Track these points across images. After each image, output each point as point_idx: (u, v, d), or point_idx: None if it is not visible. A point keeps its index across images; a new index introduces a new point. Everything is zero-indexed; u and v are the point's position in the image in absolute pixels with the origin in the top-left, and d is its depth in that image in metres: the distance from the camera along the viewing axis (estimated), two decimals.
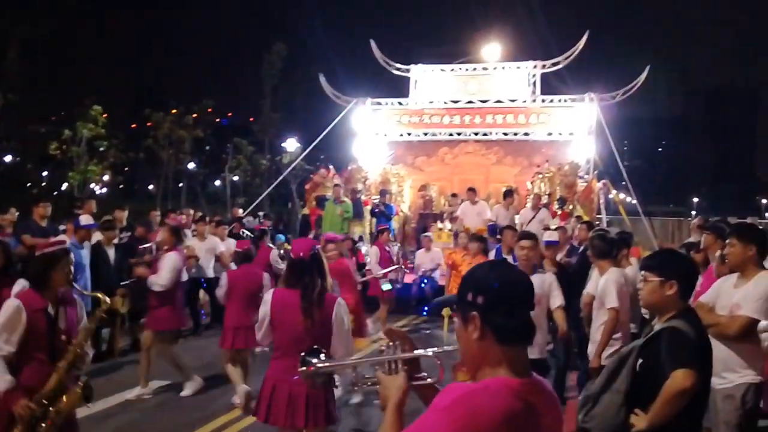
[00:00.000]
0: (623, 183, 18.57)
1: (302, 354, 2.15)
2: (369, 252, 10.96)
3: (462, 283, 1.76)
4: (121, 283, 8.34)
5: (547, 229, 10.93)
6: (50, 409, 3.53)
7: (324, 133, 17.44)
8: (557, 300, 5.60)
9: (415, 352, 1.95)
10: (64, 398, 3.58)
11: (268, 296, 4.08)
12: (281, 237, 13.55)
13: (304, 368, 2.13)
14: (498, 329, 1.63)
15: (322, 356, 2.18)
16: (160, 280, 6.69)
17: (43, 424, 3.51)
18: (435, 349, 1.96)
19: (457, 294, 1.76)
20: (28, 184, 50.34)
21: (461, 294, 1.72)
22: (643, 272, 3.15)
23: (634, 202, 19.68)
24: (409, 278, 12.31)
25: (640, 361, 2.98)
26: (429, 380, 1.92)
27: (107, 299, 3.98)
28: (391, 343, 1.96)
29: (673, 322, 2.96)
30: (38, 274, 3.73)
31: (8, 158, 49.65)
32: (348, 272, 7.04)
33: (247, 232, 12.30)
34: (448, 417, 1.49)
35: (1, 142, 40.77)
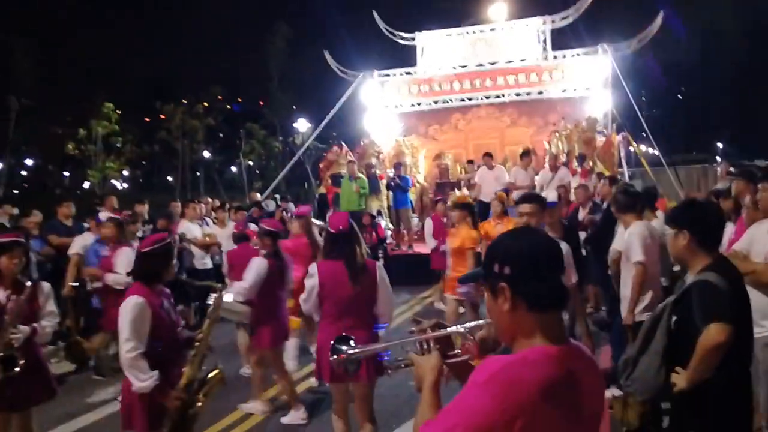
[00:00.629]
0: (644, 134, 18.20)
1: (331, 342, 2.14)
2: (425, 224, 10.80)
3: (486, 255, 1.72)
4: None
5: (562, 188, 10.77)
6: (197, 396, 3.69)
7: (334, 110, 17.28)
8: (572, 277, 5.22)
9: (447, 329, 1.94)
10: (207, 385, 3.75)
11: (313, 269, 4.38)
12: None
13: (335, 356, 2.11)
14: (529, 297, 1.60)
15: (352, 342, 2.16)
16: (120, 278, 6.24)
17: (191, 411, 3.66)
18: (467, 324, 1.94)
19: (483, 267, 1.73)
20: (52, 186, 51.13)
21: (487, 266, 1.69)
22: (666, 226, 3.14)
23: (657, 152, 19.30)
24: (429, 248, 12.23)
25: (674, 318, 2.91)
26: (464, 357, 1.92)
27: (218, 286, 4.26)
28: (417, 326, 1.96)
29: (704, 275, 2.88)
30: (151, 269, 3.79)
31: (30, 162, 50.39)
32: (305, 250, 6.96)
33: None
34: (487, 391, 1.47)
35: (20, 147, 41.28)
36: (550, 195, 11.79)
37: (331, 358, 2.13)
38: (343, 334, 2.22)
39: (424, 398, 1.76)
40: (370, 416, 4.49)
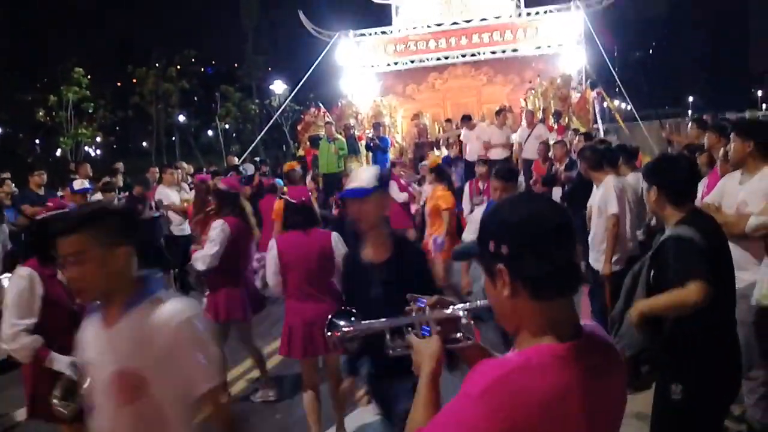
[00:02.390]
0: (617, 90, 18.33)
1: (329, 317, 1.94)
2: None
3: (480, 228, 1.42)
4: None
5: (542, 144, 10.89)
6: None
7: (309, 71, 17.13)
8: None
9: (448, 310, 1.68)
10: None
11: (273, 243, 4.34)
12: (279, 181, 13.50)
13: (330, 333, 1.91)
14: (532, 282, 1.32)
15: (353, 318, 1.93)
16: None
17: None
18: (467, 305, 1.69)
19: (477, 242, 1.43)
20: (23, 154, 50.02)
21: (481, 243, 1.40)
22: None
23: (630, 107, 19.50)
24: (411, 208, 12.34)
25: (652, 272, 2.95)
26: (466, 344, 1.67)
27: None
28: (414, 304, 1.73)
29: (677, 229, 2.90)
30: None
31: None
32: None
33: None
34: (486, 407, 1.22)
35: None
36: (529, 151, 11.99)
37: (327, 335, 1.93)
38: (342, 308, 2.01)
39: (419, 392, 1.55)
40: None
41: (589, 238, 5.60)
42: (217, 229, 5.03)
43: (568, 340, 1.32)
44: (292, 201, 4.45)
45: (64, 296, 3.43)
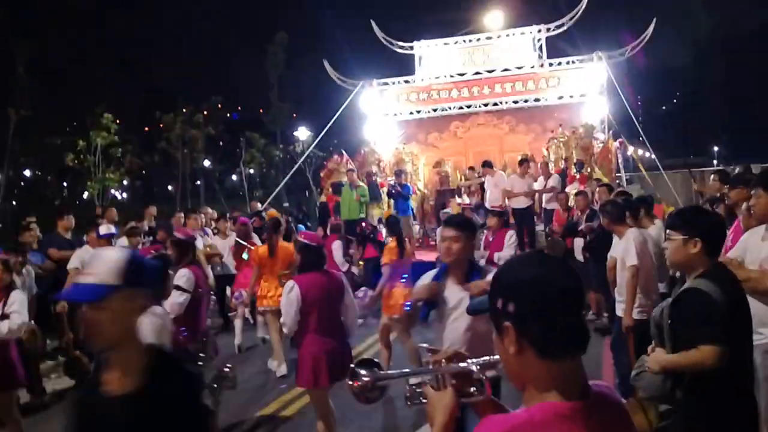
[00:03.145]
0: (640, 139, 18.30)
1: (351, 366, 1.94)
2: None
3: (491, 285, 1.45)
4: None
5: (563, 195, 10.88)
6: None
7: (333, 119, 17.39)
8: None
9: (461, 364, 1.70)
10: None
11: (292, 283, 4.68)
12: (302, 227, 13.60)
13: (351, 382, 1.91)
14: (538, 342, 1.33)
15: (375, 369, 1.92)
16: None
17: None
18: (480, 360, 1.70)
19: (488, 299, 1.46)
20: (51, 197, 51.02)
21: (490, 299, 1.43)
22: (667, 230, 3.06)
23: (653, 157, 19.42)
24: (432, 256, 12.32)
25: (669, 321, 2.93)
26: (478, 398, 1.67)
27: None
28: (433, 355, 1.75)
29: (698, 282, 2.87)
30: None
31: (28, 172, 50.34)
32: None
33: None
34: None
35: (19, 158, 41.27)
36: (549, 201, 12.03)
37: (347, 383, 1.93)
38: (366, 357, 2.00)
39: None
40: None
41: (616, 290, 5.59)
42: (184, 277, 5.11)
43: (574, 399, 1.33)
44: (311, 243, 4.88)
45: None
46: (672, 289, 3.66)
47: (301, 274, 4.84)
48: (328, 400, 4.81)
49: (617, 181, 14.21)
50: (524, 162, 12.91)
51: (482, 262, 8.12)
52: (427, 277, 3.87)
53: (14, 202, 43.76)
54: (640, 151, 22.73)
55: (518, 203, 12.39)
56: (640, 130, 16.72)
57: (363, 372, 1.90)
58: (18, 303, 4.97)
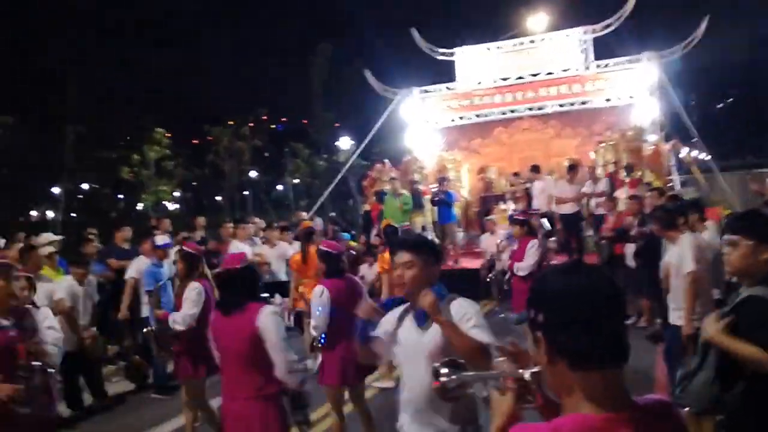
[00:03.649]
0: (694, 140, 17.73)
1: (435, 365, 1.94)
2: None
3: (528, 296, 1.46)
4: None
5: (612, 200, 10.61)
6: None
7: (375, 128, 17.40)
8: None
9: (518, 371, 1.67)
10: None
11: (321, 289, 4.99)
12: (347, 235, 13.64)
13: (436, 381, 1.93)
14: (568, 353, 1.32)
15: (459, 369, 1.92)
16: (178, 317, 5.49)
17: None
18: (534, 369, 1.65)
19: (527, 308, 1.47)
20: (107, 209, 52.72)
21: (527, 308, 1.43)
22: (731, 236, 2.87)
23: (709, 158, 18.79)
24: (476, 263, 12.18)
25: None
26: (531, 406, 1.64)
27: None
28: (502, 357, 1.73)
29: (758, 289, 2.73)
30: None
31: (85, 186, 52.15)
32: None
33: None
34: None
35: (76, 173, 42.80)
36: (596, 207, 11.82)
37: (433, 385, 1.92)
38: (450, 358, 1.96)
39: None
40: (365, 411, 5.19)
41: (669, 297, 5.43)
42: (195, 291, 5.41)
43: (608, 411, 1.29)
44: (332, 251, 5.29)
45: None
46: (728, 296, 3.47)
47: (328, 279, 5.12)
48: (343, 400, 5.16)
49: (670, 184, 13.78)
50: (573, 168, 12.63)
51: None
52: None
53: (74, 215, 45.38)
54: (695, 153, 22.07)
55: (565, 209, 12.16)
56: (693, 131, 16.21)
57: (444, 371, 1.92)
58: (50, 319, 4.55)
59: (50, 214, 42.57)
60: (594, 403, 1.30)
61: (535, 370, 1.63)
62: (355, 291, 5.09)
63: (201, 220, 12.85)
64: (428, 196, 14.33)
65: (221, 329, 3.85)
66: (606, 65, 15.42)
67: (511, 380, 1.64)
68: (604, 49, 16.10)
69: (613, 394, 1.32)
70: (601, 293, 1.33)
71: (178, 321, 5.34)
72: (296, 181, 41.22)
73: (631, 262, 8.74)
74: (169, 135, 33.86)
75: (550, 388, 1.44)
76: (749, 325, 2.69)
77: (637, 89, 14.81)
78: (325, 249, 5.37)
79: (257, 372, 3.73)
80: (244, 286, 3.88)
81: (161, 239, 8.64)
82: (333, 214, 18.34)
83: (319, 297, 4.95)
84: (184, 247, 5.97)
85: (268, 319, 3.73)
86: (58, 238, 9.70)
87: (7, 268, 3.99)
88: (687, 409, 3.01)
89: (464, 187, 16.42)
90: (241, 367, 3.76)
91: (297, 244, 10.69)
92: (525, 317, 1.52)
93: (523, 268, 7.25)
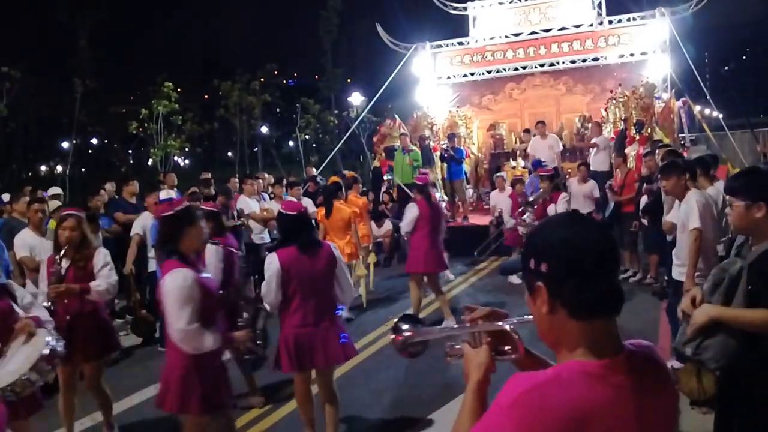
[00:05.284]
0: (706, 98, 17.57)
1: (395, 321, 1.95)
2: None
3: (524, 246, 1.48)
4: None
5: (621, 157, 10.63)
6: None
7: (386, 83, 17.29)
8: None
9: (497, 323, 1.70)
10: None
11: (272, 257, 4.39)
12: None
13: (393, 337, 1.94)
14: (570, 303, 1.34)
15: (419, 325, 1.95)
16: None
17: None
18: (515, 319, 1.70)
19: (521, 259, 1.48)
20: (117, 164, 52.99)
21: (524, 260, 1.44)
22: (728, 196, 2.94)
23: (719, 116, 18.63)
24: (486, 220, 12.28)
25: (749, 287, 2.78)
26: (511, 357, 1.68)
27: None
28: (469, 313, 1.76)
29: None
30: None
31: (95, 141, 52.33)
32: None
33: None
34: (513, 417, 1.26)
35: (86, 127, 42.87)
36: (596, 163, 11.97)
37: (390, 338, 1.96)
38: (409, 313, 2.05)
39: (466, 399, 1.57)
40: (331, 399, 4.56)
41: (674, 252, 5.50)
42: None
43: (604, 357, 1.33)
44: (289, 212, 4.53)
45: None
46: (731, 251, 3.49)
47: (283, 247, 4.45)
48: (308, 386, 4.61)
49: (681, 142, 13.72)
50: (541, 123, 13.15)
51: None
52: None
53: (83, 169, 45.64)
54: (707, 111, 21.86)
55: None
56: (705, 88, 16.04)
57: (404, 326, 1.93)
58: (105, 263, 4.89)
59: (59, 168, 42.87)
60: (591, 351, 1.34)
61: (515, 320, 1.68)
62: (321, 259, 4.44)
63: (207, 176, 12.64)
64: (438, 153, 14.35)
65: (301, 264, 4.32)
66: (619, 21, 15.20)
67: (486, 333, 1.68)
68: (617, 5, 15.85)
69: (608, 341, 1.36)
70: (602, 245, 1.37)
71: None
72: (307, 137, 41.13)
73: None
74: (179, 90, 33.70)
75: (543, 338, 1.44)
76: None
77: (650, 46, 14.65)
78: (283, 210, 4.64)
79: (332, 297, 4.48)
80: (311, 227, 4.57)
81: (166, 194, 8.62)
82: (345, 171, 18.39)
83: (267, 267, 4.38)
84: (204, 206, 5.60)
85: (337, 251, 4.54)
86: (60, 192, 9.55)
87: None
88: (686, 365, 3.04)
89: (474, 144, 16.41)
90: (322, 294, 4.40)
91: (306, 200, 10.84)
92: (513, 267, 1.58)
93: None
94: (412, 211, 7.69)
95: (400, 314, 2.02)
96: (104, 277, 4.83)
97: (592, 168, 11.53)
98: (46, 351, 3.63)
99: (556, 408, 1.25)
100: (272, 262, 4.32)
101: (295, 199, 8.81)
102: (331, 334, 4.39)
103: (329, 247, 4.58)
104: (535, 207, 9.80)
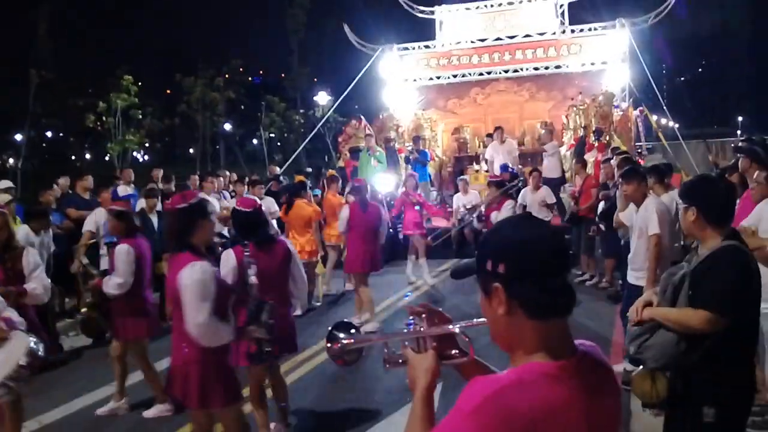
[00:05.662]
0: (663, 108, 18.07)
1: (329, 329, 1.90)
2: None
3: (479, 247, 1.47)
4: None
5: (581, 163, 10.87)
6: None
7: (352, 83, 17.29)
8: None
9: (444, 327, 1.68)
10: None
11: (229, 254, 4.39)
12: (318, 192, 13.69)
13: (329, 344, 1.88)
14: (528, 303, 1.35)
15: (353, 331, 1.89)
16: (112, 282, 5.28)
17: None
18: (463, 323, 1.68)
19: (476, 260, 1.47)
20: (72, 158, 51.62)
21: (479, 261, 1.43)
22: (681, 201, 3.08)
23: (675, 126, 19.20)
24: (448, 223, 12.40)
25: (690, 292, 2.88)
26: (460, 360, 1.67)
27: None
28: (414, 317, 1.72)
29: (728, 242, 2.86)
30: None
31: (50, 134, 50.89)
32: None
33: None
34: (476, 423, 1.25)
35: (41, 119, 41.68)
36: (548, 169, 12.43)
37: (327, 346, 1.90)
38: (344, 320, 1.96)
39: (414, 406, 1.54)
40: (280, 385, 4.84)
41: (629, 257, 5.62)
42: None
43: (561, 359, 1.35)
44: (243, 209, 4.59)
45: None
46: (684, 257, 3.61)
47: (238, 244, 4.57)
48: (264, 380, 4.69)
49: (638, 150, 14.09)
50: (498, 128, 13.28)
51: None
52: None
53: (37, 162, 44.35)
54: (663, 121, 22.47)
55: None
56: (662, 99, 16.49)
57: (342, 335, 1.88)
58: (37, 265, 4.78)
59: (12, 161, 41.59)
60: (548, 352, 1.35)
61: (463, 324, 1.67)
62: (277, 256, 4.59)
63: (158, 173, 12.22)
64: (403, 155, 14.43)
65: (257, 259, 4.38)
66: (581, 30, 15.53)
67: (431, 338, 1.65)
68: (579, 14, 16.18)
69: (564, 342, 1.39)
70: (557, 245, 1.40)
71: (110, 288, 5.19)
72: (271, 135, 40.81)
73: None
74: (139, 84, 33.08)
75: (496, 340, 1.44)
76: (710, 273, 2.81)
77: (610, 56, 15.00)
78: (237, 207, 4.69)
79: (286, 292, 4.67)
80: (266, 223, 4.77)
81: (123, 190, 8.44)
82: (309, 169, 18.28)
83: (225, 264, 4.36)
84: (115, 206, 5.62)
85: (292, 247, 4.82)
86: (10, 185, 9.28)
87: None
88: (640, 368, 3.15)
89: (439, 147, 16.54)
90: (277, 289, 4.51)
91: (268, 199, 10.77)
92: (467, 269, 1.58)
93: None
94: (344, 212, 7.94)
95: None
96: (38, 279, 4.71)
97: (543, 174, 11.82)
98: (24, 360, 3.55)
99: (520, 411, 1.25)
100: (229, 259, 4.34)
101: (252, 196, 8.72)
102: (285, 325, 4.50)
103: (285, 243, 4.71)
104: (479, 214, 10.03)
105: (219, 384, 3.59)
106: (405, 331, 1.72)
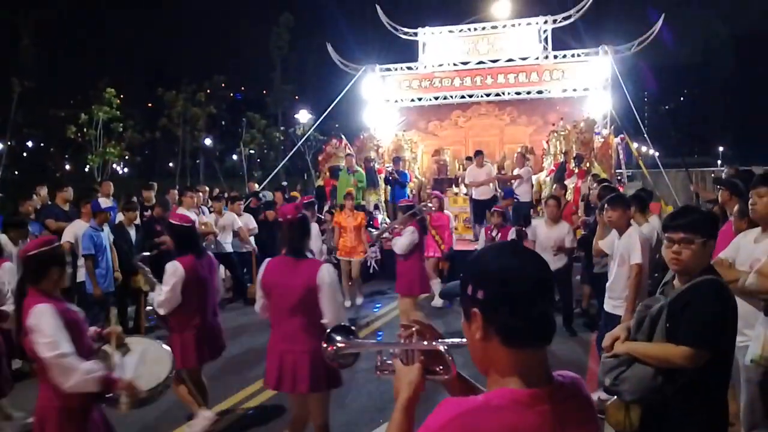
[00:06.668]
0: (643, 136, 18.23)
1: (327, 331, 1.96)
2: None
3: (463, 270, 1.48)
4: (141, 254, 7.40)
5: (563, 189, 10.83)
6: None
7: (334, 102, 17.25)
8: None
9: (432, 343, 1.71)
10: None
11: (262, 267, 4.12)
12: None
13: (326, 346, 1.94)
14: (504, 330, 1.36)
15: (350, 336, 1.96)
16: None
17: None
18: (450, 341, 1.71)
19: (460, 284, 1.49)
20: (53, 169, 51.02)
21: (462, 285, 1.45)
22: (684, 234, 2.85)
23: (656, 154, 19.38)
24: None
25: (668, 325, 2.82)
26: (443, 377, 1.69)
27: None
28: (405, 330, 1.76)
29: (707, 276, 2.81)
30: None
31: (30, 144, 50.35)
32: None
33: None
34: None
35: (21, 129, 41.23)
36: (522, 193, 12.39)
37: (323, 347, 1.93)
38: (344, 324, 2.01)
39: (392, 417, 1.58)
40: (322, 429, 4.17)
41: (608, 285, 5.54)
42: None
43: (534, 387, 1.35)
44: (179, 224, 4.95)
45: None
46: (656, 287, 3.54)
47: (181, 256, 4.78)
48: (297, 405, 4.23)
49: (617, 177, 14.16)
50: (479, 153, 13.09)
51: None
52: None
53: (16, 173, 43.78)
54: (644, 149, 22.70)
55: (481, 194, 12.52)
56: (643, 127, 16.63)
57: (338, 337, 1.93)
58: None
59: None
60: (522, 379, 1.35)
61: (449, 342, 1.69)
62: (208, 267, 4.98)
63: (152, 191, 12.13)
64: (382, 175, 14.37)
65: (199, 269, 4.86)
66: (564, 56, 15.63)
67: (420, 352, 1.68)
68: (562, 41, 16.32)
69: (539, 370, 1.38)
70: (538, 274, 1.38)
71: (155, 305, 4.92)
72: (251, 151, 40.70)
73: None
74: (121, 96, 32.87)
75: (476, 363, 1.45)
76: (691, 306, 2.75)
77: (592, 82, 15.09)
78: (174, 222, 4.99)
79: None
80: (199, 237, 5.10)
81: (104, 202, 8.39)
82: (285, 183, 18.14)
83: (172, 274, 4.61)
84: (171, 221, 5.21)
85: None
86: None
87: None
88: (615, 398, 3.08)
89: (418, 168, 16.50)
90: (213, 298, 5.07)
91: (246, 216, 10.65)
92: (453, 291, 1.59)
93: (398, 246, 7.37)
94: (413, 236, 7.33)
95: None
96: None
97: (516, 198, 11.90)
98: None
99: None
100: (177, 269, 4.65)
101: (187, 212, 8.66)
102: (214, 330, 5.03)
103: (212, 257, 5.14)
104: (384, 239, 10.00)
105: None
106: (398, 342, 1.76)
